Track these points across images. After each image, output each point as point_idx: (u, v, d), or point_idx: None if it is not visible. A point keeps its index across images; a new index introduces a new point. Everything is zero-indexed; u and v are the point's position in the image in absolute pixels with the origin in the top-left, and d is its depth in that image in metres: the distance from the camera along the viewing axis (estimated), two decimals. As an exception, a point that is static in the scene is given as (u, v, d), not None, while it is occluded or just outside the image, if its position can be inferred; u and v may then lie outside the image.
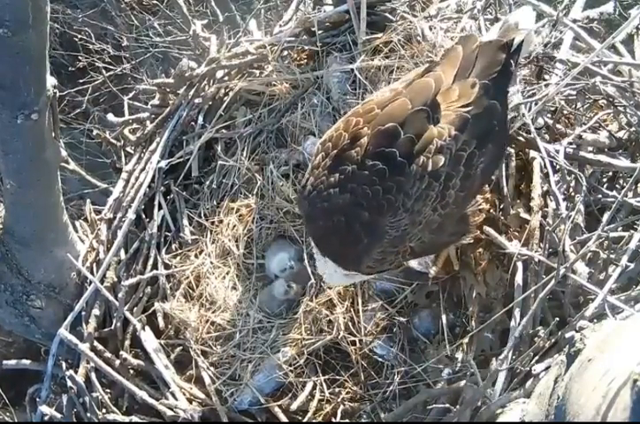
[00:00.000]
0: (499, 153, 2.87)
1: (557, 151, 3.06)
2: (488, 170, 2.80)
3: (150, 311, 3.42)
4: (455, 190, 2.63)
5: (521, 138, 3.21)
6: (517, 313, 2.84)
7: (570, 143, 3.15)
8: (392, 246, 2.68)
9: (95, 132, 4.68)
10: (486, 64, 2.68)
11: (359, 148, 2.59)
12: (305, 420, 3.06)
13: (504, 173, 3.13)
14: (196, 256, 3.53)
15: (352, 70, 3.58)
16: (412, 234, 2.67)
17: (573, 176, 3.11)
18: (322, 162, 2.68)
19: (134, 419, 3.17)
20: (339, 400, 3.08)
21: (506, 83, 2.77)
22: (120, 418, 3.16)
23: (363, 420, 3.05)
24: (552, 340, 2.76)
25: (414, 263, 3.13)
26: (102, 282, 3.45)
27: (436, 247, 2.99)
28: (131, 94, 4.85)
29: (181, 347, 3.32)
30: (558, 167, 3.11)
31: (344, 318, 3.15)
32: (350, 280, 2.99)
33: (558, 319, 2.70)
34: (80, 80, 6.56)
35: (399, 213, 2.59)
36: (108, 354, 3.32)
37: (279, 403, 3.11)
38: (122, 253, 3.58)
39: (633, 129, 3.27)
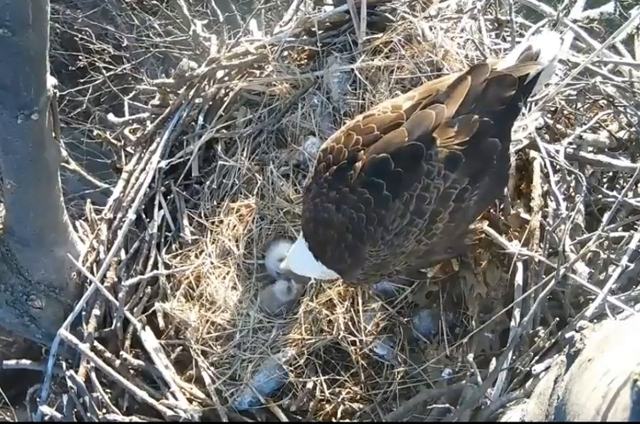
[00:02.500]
0: (498, 184, 2.82)
1: (557, 151, 3.06)
2: (484, 201, 2.75)
3: (150, 311, 3.42)
4: (444, 223, 2.62)
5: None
6: (517, 313, 2.84)
7: (570, 143, 3.15)
8: (374, 270, 2.73)
9: (95, 132, 4.69)
10: (492, 100, 2.57)
11: (353, 172, 2.60)
12: (305, 420, 3.06)
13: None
14: (196, 256, 3.53)
15: (352, 70, 3.59)
16: (395, 261, 2.70)
17: (573, 176, 3.11)
18: (324, 172, 2.69)
19: (135, 419, 3.17)
20: (339, 400, 3.07)
21: (511, 119, 2.68)
22: (120, 418, 3.16)
23: (363, 420, 3.05)
24: (552, 340, 2.75)
25: None
26: (102, 282, 3.45)
27: (428, 265, 3.01)
28: (131, 94, 4.87)
29: (181, 347, 3.32)
30: (558, 167, 3.11)
31: (344, 318, 3.15)
32: (326, 276, 3.00)
33: (558, 319, 2.70)
34: (81, 80, 6.57)
35: (378, 244, 2.61)
36: (108, 354, 3.32)
37: (280, 403, 3.11)
38: (122, 253, 3.58)
39: (633, 129, 3.27)
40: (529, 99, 3.16)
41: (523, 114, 3.13)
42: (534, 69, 2.62)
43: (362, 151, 2.61)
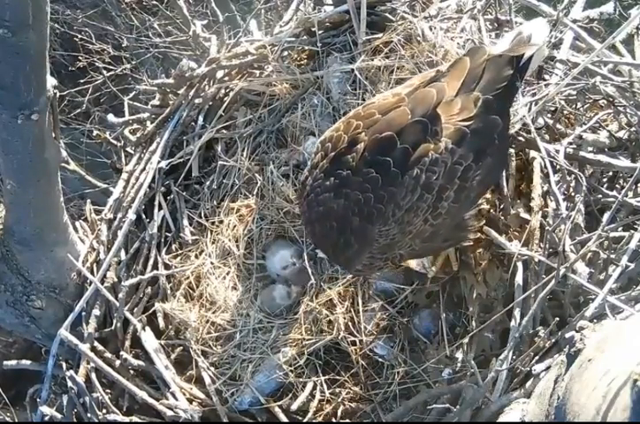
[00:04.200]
0: (499, 165, 2.87)
1: (557, 151, 3.06)
2: (486, 182, 2.80)
3: (151, 311, 3.42)
4: (449, 202, 2.63)
5: (521, 138, 3.21)
6: (517, 313, 2.84)
7: (570, 143, 3.14)
8: (381, 253, 2.71)
9: (95, 132, 4.68)
10: (492, 79, 2.66)
11: (355, 154, 2.60)
12: (305, 421, 3.06)
13: (504, 173, 3.13)
14: (196, 256, 3.53)
15: (352, 70, 3.58)
16: (402, 242, 2.69)
17: (573, 176, 3.11)
18: (320, 162, 2.69)
19: (135, 419, 3.18)
20: (339, 400, 3.08)
21: (510, 98, 2.77)
22: (120, 418, 3.16)
23: (363, 420, 3.05)
24: (553, 340, 2.76)
25: (412, 263, 3.13)
26: (102, 282, 3.45)
27: (428, 253, 3.00)
28: (131, 95, 4.86)
29: (181, 347, 3.32)
30: (558, 167, 3.11)
31: (344, 318, 3.15)
32: None
33: (558, 319, 2.70)
34: (81, 80, 6.57)
35: (388, 222, 2.60)
36: (108, 354, 3.32)
37: (280, 403, 3.11)
38: (122, 253, 3.58)
39: (633, 129, 3.27)
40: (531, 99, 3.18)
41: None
42: (528, 49, 2.70)
43: (363, 133, 2.62)
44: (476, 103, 2.62)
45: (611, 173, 3.36)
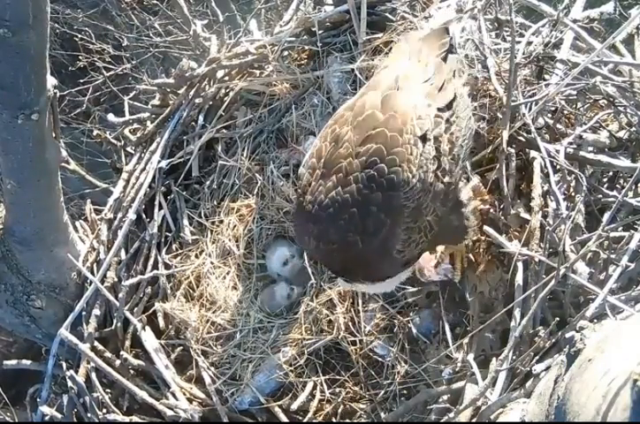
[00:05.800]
0: (469, 121, 2.90)
1: (557, 151, 3.06)
2: (468, 141, 2.86)
3: (151, 311, 3.43)
4: (448, 158, 2.67)
5: (521, 138, 3.21)
6: (517, 313, 2.84)
7: (570, 143, 3.15)
8: (414, 221, 2.62)
9: (95, 132, 4.68)
10: (434, 47, 2.86)
11: (347, 143, 2.59)
12: (305, 420, 3.06)
13: (504, 173, 3.13)
14: (197, 256, 3.53)
15: (352, 70, 3.59)
16: (426, 205, 2.63)
17: (573, 176, 3.11)
18: (311, 177, 2.64)
19: (135, 419, 3.18)
20: (339, 400, 3.08)
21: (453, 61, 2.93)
22: (121, 418, 3.17)
23: (363, 420, 3.06)
24: (553, 340, 2.75)
25: (433, 274, 3.12)
26: (102, 282, 3.46)
27: (449, 229, 2.92)
28: (131, 94, 4.86)
29: (182, 347, 3.33)
30: (558, 167, 3.11)
31: (344, 318, 3.16)
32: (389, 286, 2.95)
33: (558, 319, 2.70)
34: (81, 80, 6.57)
35: (409, 179, 2.54)
36: (108, 354, 3.33)
37: (280, 403, 3.11)
38: (122, 253, 3.58)
39: (633, 129, 3.26)
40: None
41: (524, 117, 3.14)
42: (450, 25, 3.00)
43: (344, 127, 2.63)
44: (429, 66, 2.78)
45: (611, 173, 3.36)
